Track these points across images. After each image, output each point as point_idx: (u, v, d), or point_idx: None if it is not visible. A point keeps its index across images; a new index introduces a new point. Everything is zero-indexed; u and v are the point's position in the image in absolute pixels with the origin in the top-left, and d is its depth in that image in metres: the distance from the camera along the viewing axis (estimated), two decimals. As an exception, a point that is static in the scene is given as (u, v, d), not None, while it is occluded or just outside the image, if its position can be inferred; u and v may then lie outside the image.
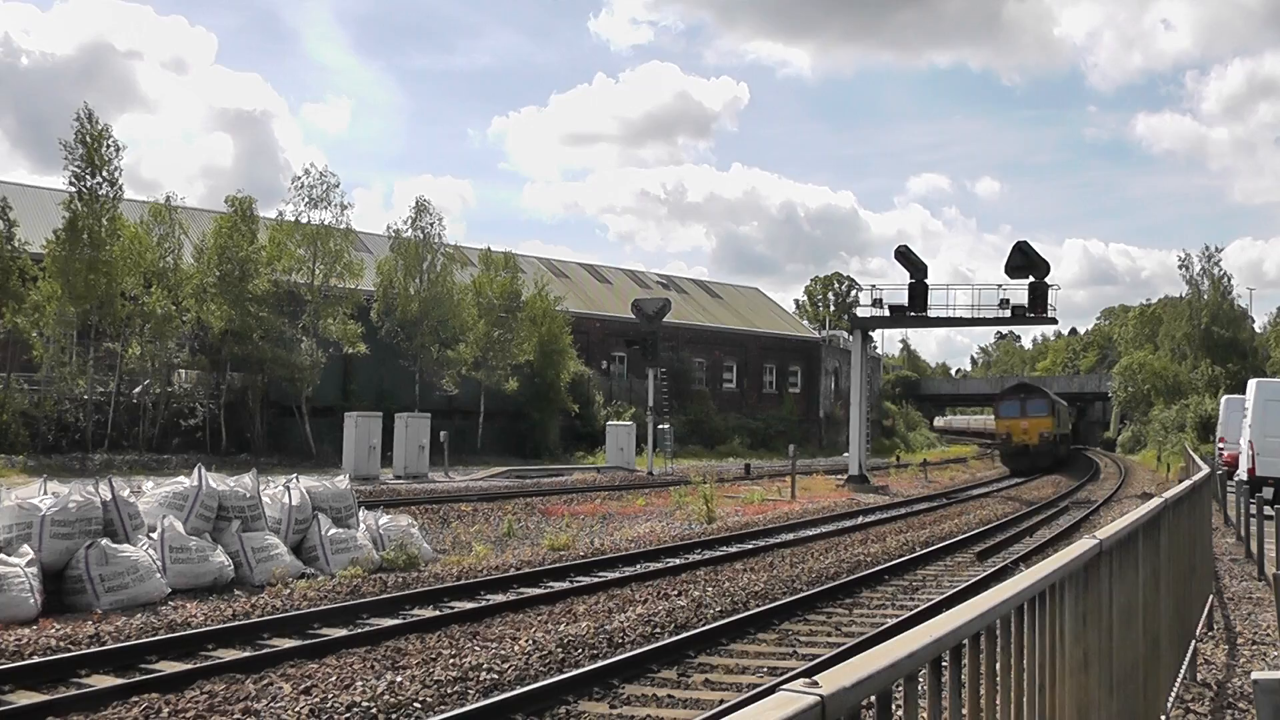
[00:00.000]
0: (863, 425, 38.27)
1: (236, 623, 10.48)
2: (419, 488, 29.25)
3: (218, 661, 8.96)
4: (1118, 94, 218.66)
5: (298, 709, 7.53)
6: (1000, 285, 35.91)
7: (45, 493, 12.17)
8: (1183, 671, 7.17)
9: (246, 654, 9.35)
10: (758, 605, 12.08)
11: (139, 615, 10.78)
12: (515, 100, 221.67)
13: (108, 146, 34.21)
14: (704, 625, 10.80)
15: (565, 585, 13.48)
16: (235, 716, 7.40)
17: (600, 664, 8.90)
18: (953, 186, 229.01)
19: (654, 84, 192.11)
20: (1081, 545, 3.69)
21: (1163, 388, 68.37)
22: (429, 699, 7.96)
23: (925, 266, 36.81)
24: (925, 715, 2.52)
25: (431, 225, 45.74)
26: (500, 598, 12.49)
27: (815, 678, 1.70)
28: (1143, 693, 4.96)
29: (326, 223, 40.17)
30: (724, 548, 17.94)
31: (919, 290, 36.46)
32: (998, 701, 2.75)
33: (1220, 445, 29.41)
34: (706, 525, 21.33)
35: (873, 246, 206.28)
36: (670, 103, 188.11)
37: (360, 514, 15.46)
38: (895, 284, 39.04)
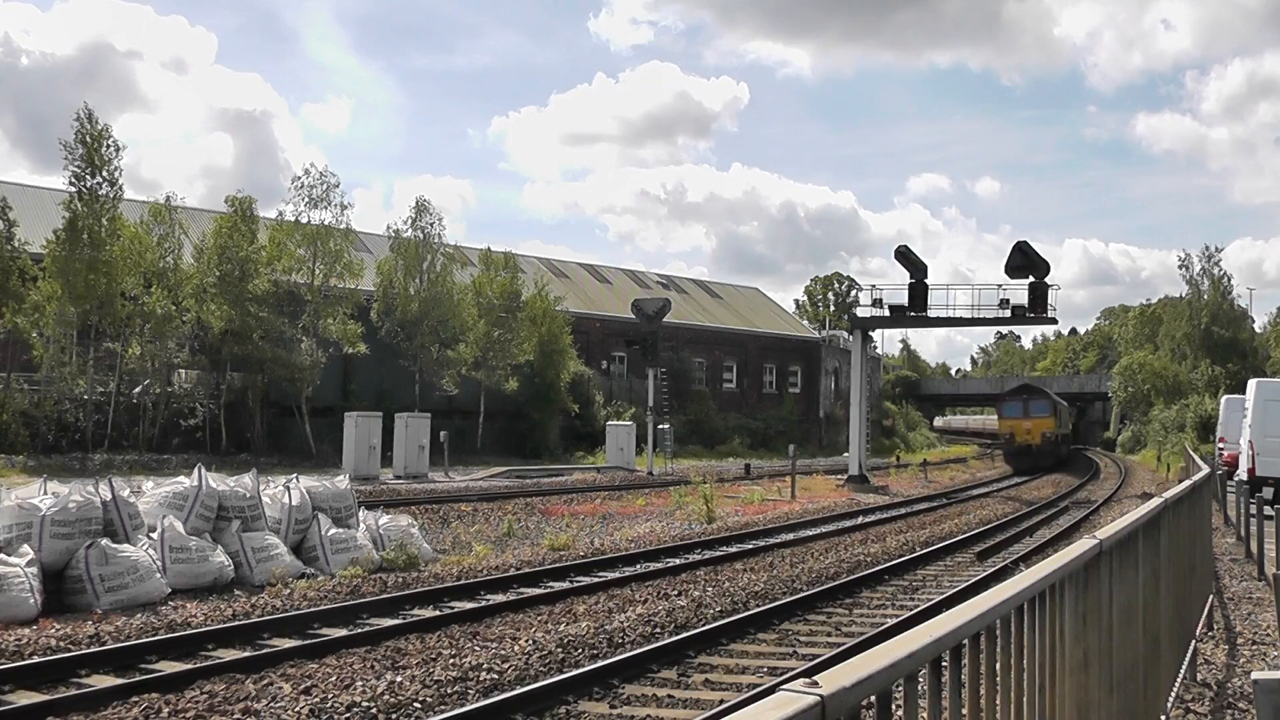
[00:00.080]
0: (863, 425, 38.27)
1: (236, 623, 10.48)
2: (419, 488, 29.25)
3: (218, 661, 8.96)
4: (1118, 94, 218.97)
5: (298, 709, 7.53)
6: (1000, 285, 35.95)
7: (45, 493, 12.17)
8: (1183, 671, 7.17)
9: (246, 654, 9.34)
10: (758, 605, 12.08)
11: (139, 615, 10.78)
12: (515, 100, 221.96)
13: (108, 146, 34.22)
14: (704, 625, 10.80)
15: (565, 585, 13.48)
16: (235, 716, 7.40)
17: (600, 664, 8.89)
18: (953, 186, 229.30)
19: (654, 84, 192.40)
20: (1081, 545, 3.69)
21: (1163, 388, 68.36)
22: (429, 699, 7.96)
23: (925, 266, 36.82)
24: (925, 715, 2.52)
25: (431, 225, 45.82)
26: (500, 598, 12.49)
27: (815, 678, 1.70)
28: (1143, 693, 4.96)
29: (326, 223, 40.21)
30: (724, 548, 17.94)
31: (919, 290, 36.45)
32: (998, 701, 2.74)
33: (1220, 445, 29.41)
34: (706, 525, 21.33)
35: (873, 246, 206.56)
36: (670, 103, 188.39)
37: (360, 514, 15.45)
38: (895, 284, 39.10)
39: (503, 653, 9.44)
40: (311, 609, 11.27)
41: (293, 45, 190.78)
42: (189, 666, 8.79)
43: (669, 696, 8.30)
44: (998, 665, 2.75)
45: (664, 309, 42.17)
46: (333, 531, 14.30)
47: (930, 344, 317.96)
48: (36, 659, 8.83)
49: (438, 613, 11.41)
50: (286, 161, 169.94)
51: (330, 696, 7.87)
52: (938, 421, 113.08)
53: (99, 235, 33.76)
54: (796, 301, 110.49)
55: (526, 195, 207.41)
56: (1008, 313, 36.07)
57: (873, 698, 1.91)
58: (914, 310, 36.56)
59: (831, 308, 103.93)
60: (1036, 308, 34.74)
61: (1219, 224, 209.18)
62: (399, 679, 8.41)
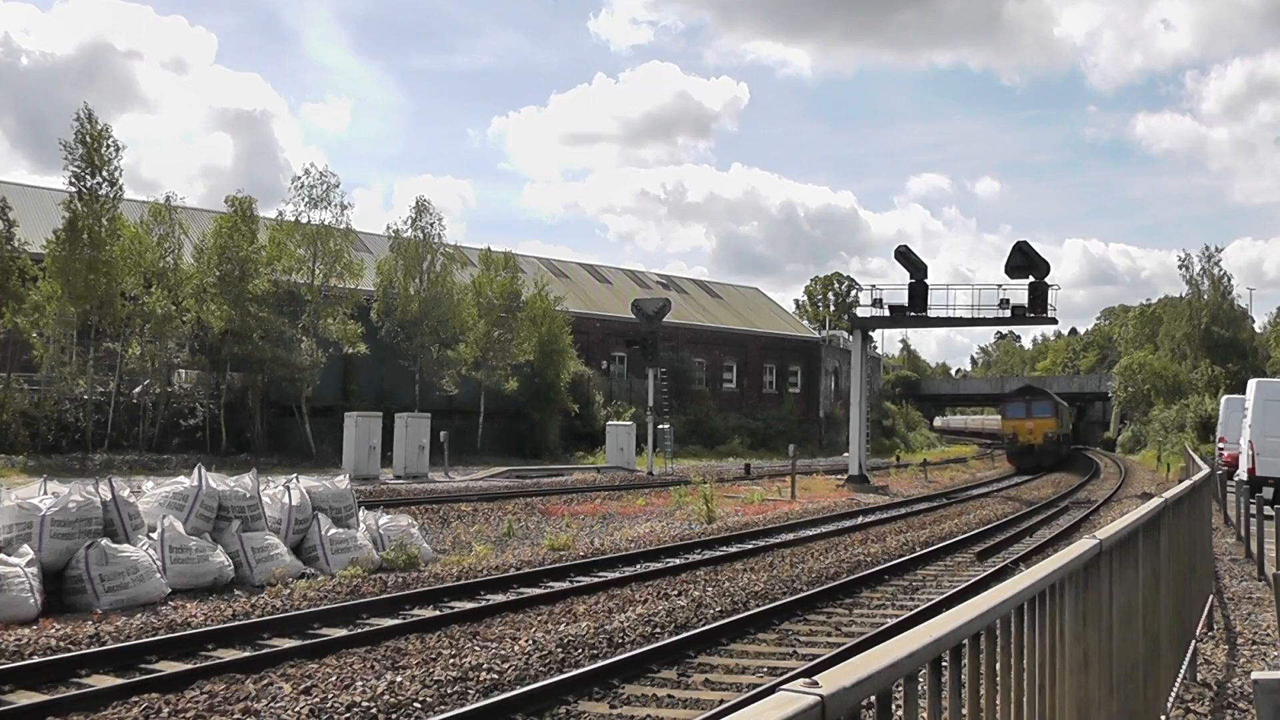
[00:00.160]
0: (863, 425, 38.27)
1: (236, 623, 10.47)
2: (419, 488, 29.25)
3: (218, 661, 8.95)
4: (1118, 94, 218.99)
5: (298, 709, 7.53)
6: (1000, 285, 35.96)
7: (45, 493, 12.17)
8: (1183, 671, 7.17)
9: (246, 654, 9.34)
10: (758, 605, 12.07)
11: (139, 615, 10.78)
12: (515, 100, 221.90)
13: (108, 146, 34.23)
14: (704, 625, 10.80)
15: (565, 585, 13.48)
16: (235, 716, 7.40)
17: (600, 664, 8.89)
18: (953, 186, 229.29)
19: (654, 84, 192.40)
20: (1081, 545, 3.69)
21: (1163, 388, 68.36)
22: (429, 699, 7.96)
23: (925, 266, 36.83)
24: (925, 715, 2.52)
25: (431, 225, 45.84)
26: (500, 598, 12.49)
27: (815, 678, 1.70)
28: (1143, 693, 4.96)
29: (326, 223, 40.24)
30: (724, 548, 17.93)
31: (919, 290, 36.46)
32: (998, 701, 2.74)
33: (1220, 445, 29.41)
34: (706, 525, 21.33)
35: (873, 246, 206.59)
36: (670, 103, 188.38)
37: (360, 514, 15.46)
38: (895, 284, 39.10)
39: (503, 653, 9.44)
40: (311, 609, 11.27)
41: (293, 45, 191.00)
42: (189, 666, 8.79)
43: (669, 696, 8.30)
44: (998, 665, 2.75)
45: (664, 309, 42.18)
46: (333, 531, 14.31)
47: (930, 344, 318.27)
48: (36, 659, 8.83)
49: (438, 613, 11.41)
50: (286, 161, 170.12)
51: (330, 696, 7.87)
52: (937, 421, 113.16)
53: (99, 235, 33.77)
54: (796, 301, 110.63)
55: (526, 195, 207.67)
56: (1008, 313, 36.08)
57: (873, 698, 1.91)
58: (914, 310, 36.56)
59: (831, 308, 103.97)
60: (1036, 308, 34.74)
61: (1219, 224, 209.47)
62: (399, 679, 8.41)
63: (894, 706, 2.07)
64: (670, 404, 46.26)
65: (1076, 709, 3.47)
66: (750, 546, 18.02)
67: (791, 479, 31.93)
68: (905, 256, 36.61)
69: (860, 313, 39.42)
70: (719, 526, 21.16)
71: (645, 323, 41.07)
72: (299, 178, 40.81)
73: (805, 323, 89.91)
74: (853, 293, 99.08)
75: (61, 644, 9.41)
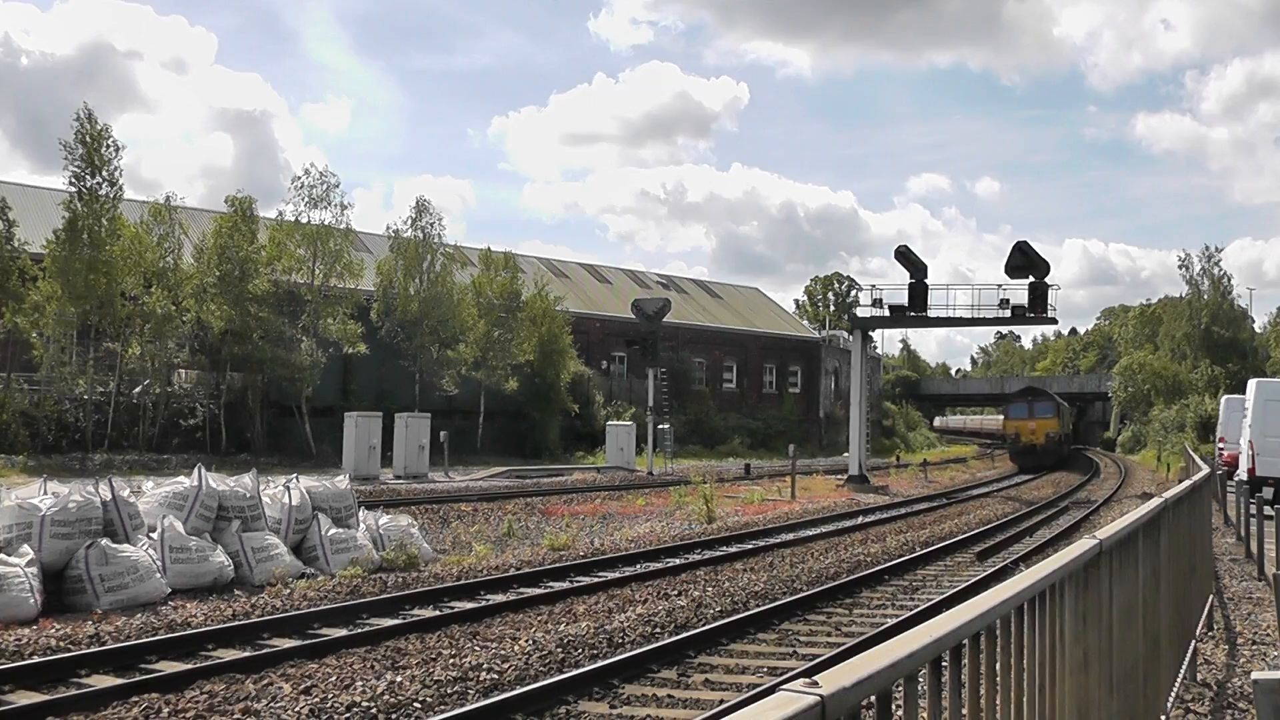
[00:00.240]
0: (863, 425, 38.27)
1: (236, 623, 10.47)
2: (419, 488, 29.25)
3: (218, 661, 8.95)
4: (1118, 94, 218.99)
5: (298, 709, 7.53)
6: (1000, 285, 35.97)
7: (45, 493, 12.17)
8: (1183, 671, 7.17)
9: (246, 654, 9.34)
10: (758, 605, 12.07)
11: (139, 615, 10.78)
12: (515, 100, 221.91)
13: (108, 146, 34.24)
14: (704, 625, 10.80)
15: (565, 585, 13.47)
16: (235, 716, 7.40)
17: (600, 664, 8.89)
18: (953, 186, 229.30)
19: (654, 84, 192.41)
20: (1081, 545, 3.69)
21: (1163, 388, 68.37)
22: (429, 699, 7.96)
23: (925, 266, 36.83)
24: (925, 715, 2.52)
25: (431, 225, 45.85)
26: (500, 598, 12.49)
27: (815, 678, 1.70)
28: (1143, 693, 4.96)
29: (326, 223, 40.25)
30: (724, 548, 17.93)
31: (919, 290, 36.46)
32: (998, 701, 2.74)
33: (1220, 445, 29.41)
34: (706, 525, 21.33)
35: (873, 246, 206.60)
36: (670, 103, 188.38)
37: (360, 514, 15.45)
38: (895, 284, 39.10)
39: (503, 653, 9.44)
40: (311, 609, 11.27)
41: (293, 45, 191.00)
42: (189, 666, 8.79)
43: (669, 696, 8.30)
44: (998, 665, 2.75)
45: (664, 309, 42.18)
46: (333, 531, 14.30)
47: (930, 344, 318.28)
48: (36, 659, 8.83)
49: (438, 613, 11.41)
50: (286, 161, 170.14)
51: (330, 696, 7.87)
52: (937, 421, 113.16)
53: (99, 235, 33.78)
54: (796, 301, 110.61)
55: (526, 195, 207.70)
56: (1008, 313, 36.08)
57: (873, 698, 1.91)
58: (914, 310, 36.56)
59: (831, 308, 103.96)
60: (1036, 308, 34.75)
61: (1219, 224, 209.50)
62: (399, 679, 8.41)
63: (894, 706, 2.07)
64: (670, 404, 46.26)
65: (1076, 709, 3.47)
66: (750, 546, 18.02)
67: (791, 479, 31.93)
68: (905, 256, 36.62)
69: (860, 313, 39.43)
70: (719, 526, 21.16)
71: (645, 323, 41.08)
72: (299, 178, 40.89)
73: (805, 323, 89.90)
74: (853, 293, 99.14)
75: (61, 644, 9.41)
